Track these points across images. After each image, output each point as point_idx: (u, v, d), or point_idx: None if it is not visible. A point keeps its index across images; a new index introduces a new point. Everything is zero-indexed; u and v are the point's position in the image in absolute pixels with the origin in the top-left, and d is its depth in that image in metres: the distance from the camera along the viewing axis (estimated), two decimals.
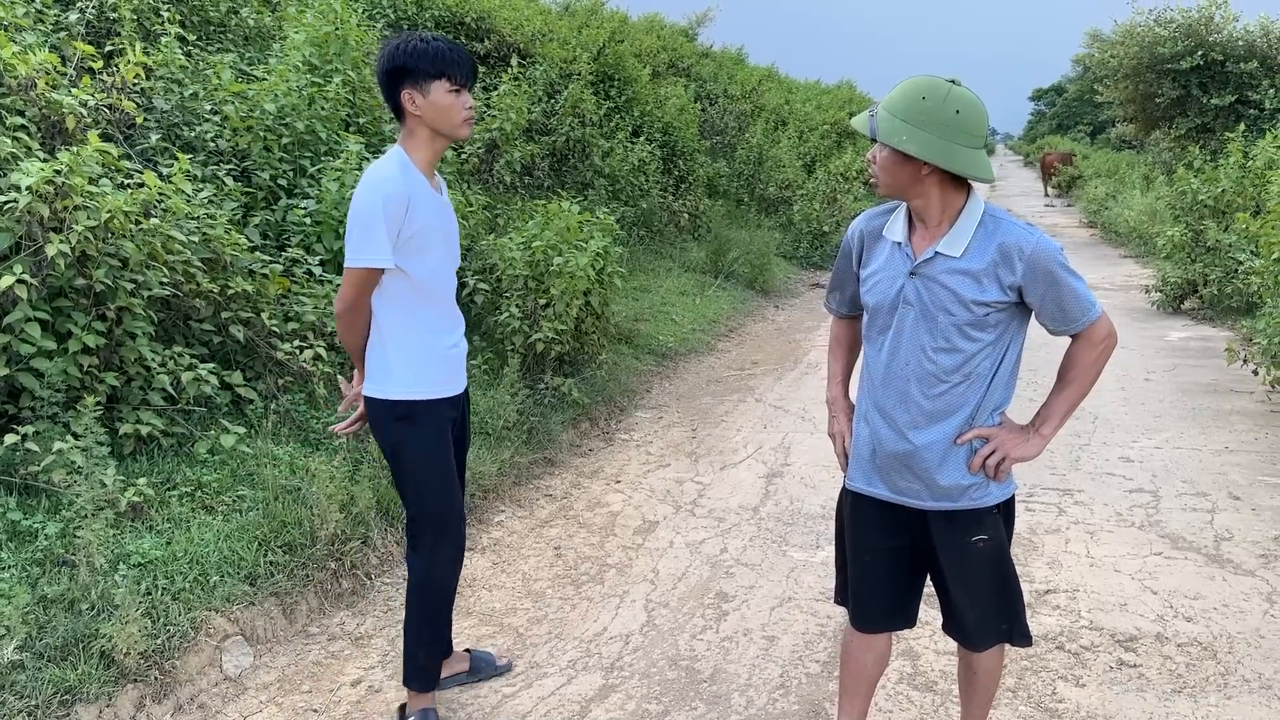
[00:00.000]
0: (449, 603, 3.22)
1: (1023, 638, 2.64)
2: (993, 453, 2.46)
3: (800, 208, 14.50)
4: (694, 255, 11.51)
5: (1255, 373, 6.69)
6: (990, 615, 2.60)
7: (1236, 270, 9.42)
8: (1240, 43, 15.97)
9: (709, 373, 7.96)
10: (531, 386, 6.07)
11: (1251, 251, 9.03)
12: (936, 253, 2.39)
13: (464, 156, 8.21)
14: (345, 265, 2.85)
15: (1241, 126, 11.84)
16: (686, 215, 12.42)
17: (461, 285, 6.39)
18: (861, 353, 2.69)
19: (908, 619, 2.73)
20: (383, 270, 2.84)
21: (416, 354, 2.96)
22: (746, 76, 20.51)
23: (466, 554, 4.49)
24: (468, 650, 3.53)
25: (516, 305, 6.04)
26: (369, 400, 3.00)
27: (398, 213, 2.79)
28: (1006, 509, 2.56)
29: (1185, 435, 5.99)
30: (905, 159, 2.32)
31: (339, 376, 3.44)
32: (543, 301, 6.14)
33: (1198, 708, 3.17)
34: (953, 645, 3.52)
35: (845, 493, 2.72)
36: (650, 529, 4.77)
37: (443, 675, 3.34)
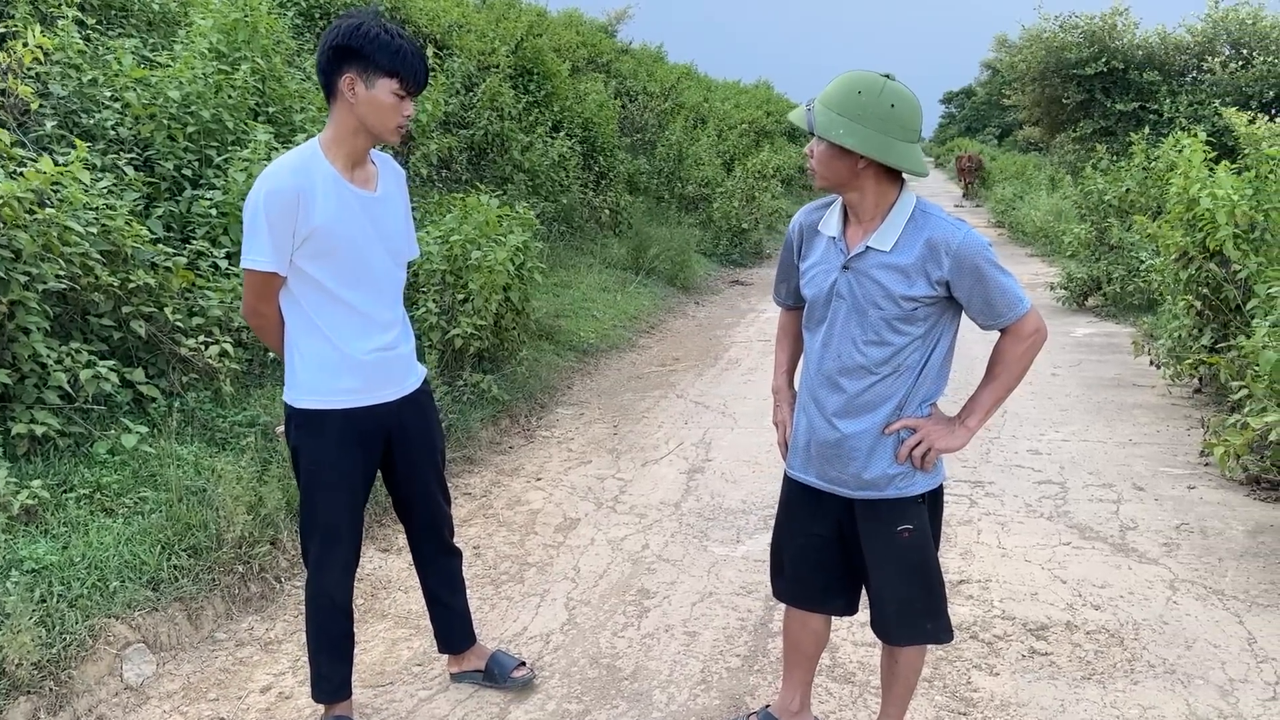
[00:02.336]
0: (345, 613, 3.02)
1: (945, 633, 2.67)
2: (919, 443, 2.48)
3: (719, 205, 14.57)
4: (615, 252, 11.48)
5: (1157, 367, 6.91)
6: (914, 609, 2.62)
7: (1138, 268, 9.73)
8: (1140, 50, 16.53)
9: (630, 369, 7.94)
10: (450, 383, 5.97)
11: (1153, 250, 9.34)
12: (868, 247, 2.42)
13: (379, 149, 8.02)
14: (243, 267, 2.68)
15: (1146, 129, 12.24)
16: (607, 211, 12.39)
17: None
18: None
19: (846, 605, 2.78)
20: (276, 273, 2.67)
21: (324, 362, 2.76)
22: (666, 74, 20.56)
23: (383, 554, 4.42)
24: (496, 652, 3.37)
25: (434, 300, 5.93)
26: (284, 403, 2.87)
27: (285, 211, 2.59)
28: (934, 500, 2.60)
29: (1091, 428, 6.16)
30: (842, 153, 2.34)
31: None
32: (461, 297, 6.04)
33: (1106, 694, 3.24)
34: (870, 637, 3.55)
35: (785, 479, 2.76)
36: (571, 526, 4.72)
37: (458, 669, 3.31)
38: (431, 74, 8.69)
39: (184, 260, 4.77)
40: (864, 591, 2.74)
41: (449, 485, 3.35)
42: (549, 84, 12.48)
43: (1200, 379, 6.53)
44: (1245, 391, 4.40)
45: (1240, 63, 15.32)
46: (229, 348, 4.72)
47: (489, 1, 15.88)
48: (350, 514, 2.93)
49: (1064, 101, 17.28)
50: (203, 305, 4.82)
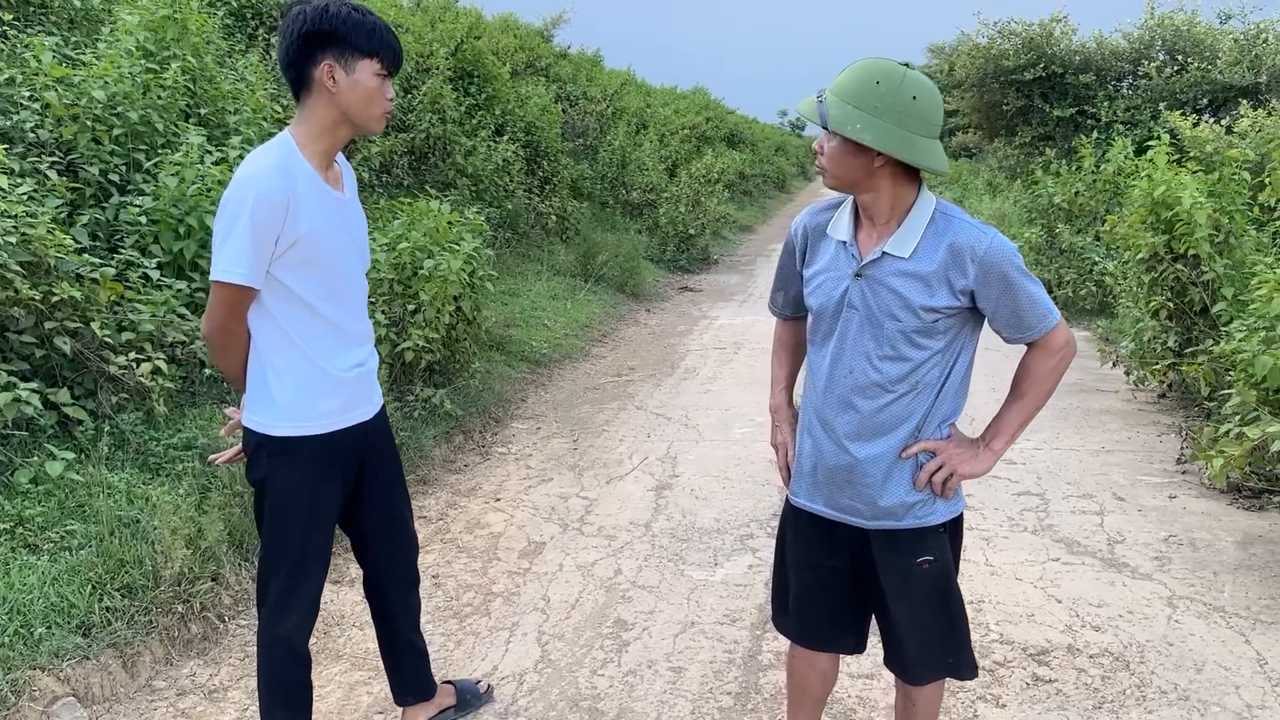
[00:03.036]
0: (303, 661, 2.71)
1: (969, 669, 2.46)
2: (940, 468, 2.26)
3: (665, 210, 14.37)
4: (562, 258, 11.20)
5: (1127, 373, 6.82)
6: (933, 645, 2.41)
7: (1090, 271, 9.74)
8: (1078, 56, 16.71)
9: (585, 380, 7.67)
10: (400, 398, 5.65)
11: (1107, 253, 9.34)
12: (884, 253, 2.20)
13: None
14: (210, 278, 2.37)
15: (1094, 134, 12.31)
16: (554, 217, 12.10)
17: None
18: (806, 358, 2.46)
19: (856, 643, 2.53)
20: (252, 287, 2.38)
21: (303, 383, 2.50)
22: (606, 79, 20.32)
23: (334, 587, 4.10)
24: (449, 682, 3.16)
25: (382, 312, 5.60)
26: (246, 430, 2.57)
27: (273, 217, 2.32)
28: (954, 528, 2.38)
29: (1062, 436, 6.04)
30: (857, 149, 2.12)
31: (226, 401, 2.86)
32: (411, 307, 5.72)
33: None
34: (868, 666, 3.34)
35: (788, 505, 2.50)
36: (537, 551, 4.44)
37: (430, 715, 3.03)
38: None
39: (112, 271, 4.40)
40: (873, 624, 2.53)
41: None
42: (490, 87, 12.16)
43: (1169, 384, 6.47)
44: (1238, 398, 4.29)
45: (1175, 68, 15.55)
46: (162, 365, 4.36)
47: (423, 4, 15.49)
48: (324, 549, 2.66)
49: (1004, 107, 17.39)
50: (133, 319, 4.45)
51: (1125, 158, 10.26)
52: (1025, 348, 2.30)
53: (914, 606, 2.37)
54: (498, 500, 5.08)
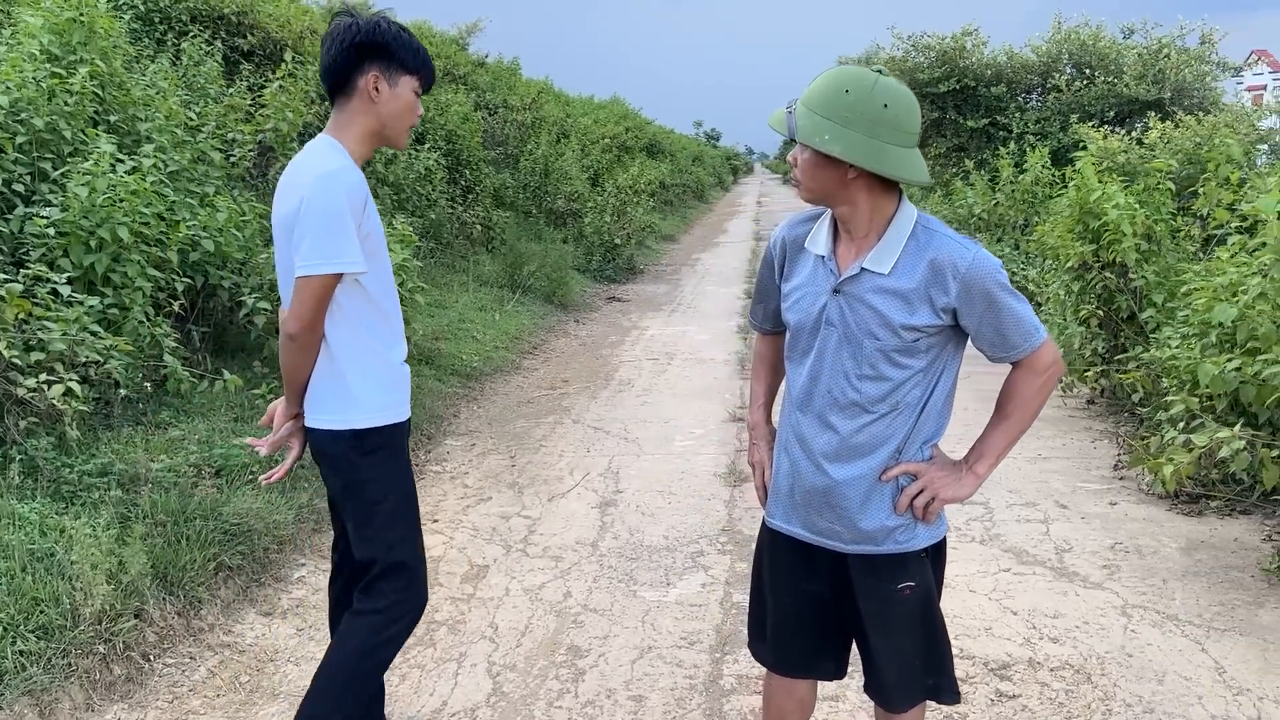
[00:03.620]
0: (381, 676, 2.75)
1: (950, 694, 2.38)
2: (920, 491, 2.17)
3: (591, 220, 14.26)
4: (488, 269, 11.00)
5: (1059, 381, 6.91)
6: (914, 671, 2.33)
7: (1011, 280, 9.89)
8: (989, 69, 17.09)
9: (519, 393, 7.49)
10: None
11: (1028, 262, 9.51)
12: (863, 269, 2.12)
13: (233, 160, 7.34)
14: (302, 274, 2.38)
15: (1011, 145, 12.56)
16: (479, 227, 11.89)
17: (238, 304, 5.65)
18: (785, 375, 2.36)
19: (835, 669, 2.45)
20: (339, 279, 2.43)
21: (379, 374, 2.57)
22: (525, 88, 20.13)
23: (265, 619, 3.88)
24: None
25: None
26: (323, 434, 2.55)
27: (360, 208, 2.43)
28: (936, 553, 2.29)
29: None
30: (829, 161, 2.04)
31: (272, 404, 2.76)
32: None
33: None
34: (835, 687, 3.25)
35: (764, 529, 2.41)
36: (480, 575, 4.27)
37: None
38: (291, 79, 8.08)
39: (19, 288, 4.11)
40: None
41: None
42: None
43: (1100, 390, 6.57)
44: (1180, 406, 4.33)
45: (1084, 81, 15.99)
46: (75, 386, 4.08)
47: (335, 10, 15.15)
48: (423, 550, 2.82)
49: (920, 120, 17.67)
50: (42, 339, 4.15)
51: (1043, 167, 10.47)
52: (1010, 367, 2.23)
53: (894, 634, 2.29)
54: (435, 521, 4.90)
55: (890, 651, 2.31)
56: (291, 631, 3.78)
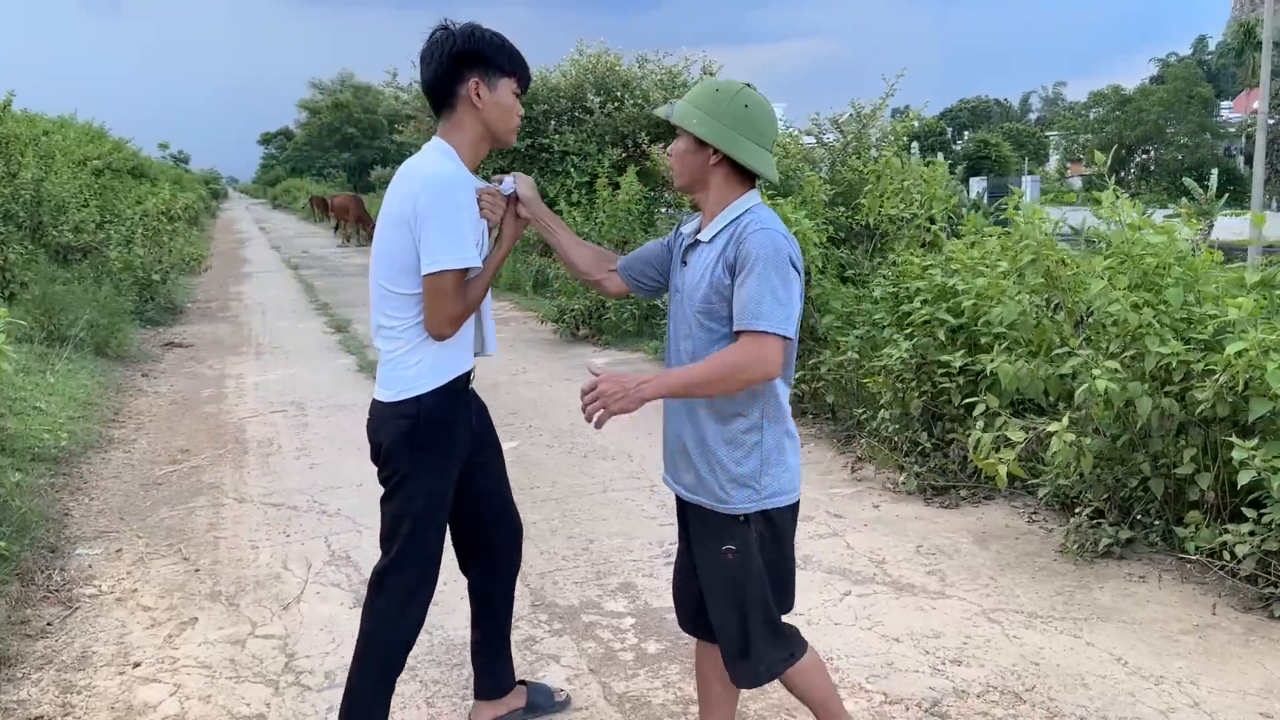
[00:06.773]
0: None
1: (746, 677, 2.48)
2: (596, 400, 2.24)
3: (118, 255, 12.03)
4: (13, 322, 8.70)
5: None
6: (727, 637, 2.45)
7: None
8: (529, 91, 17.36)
9: (132, 473, 5.89)
10: None
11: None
12: (696, 240, 2.41)
13: None
14: (446, 269, 2.49)
15: (565, 164, 12.65)
16: None
17: None
18: None
19: (710, 631, 2.57)
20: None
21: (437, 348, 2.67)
22: None
23: None
24: (523, 682, 3.15)
25: None
26: (389, 405, 2.64)
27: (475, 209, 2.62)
28: (768, 524, 2.38)
29: None
30: (697, 147, 2.36)
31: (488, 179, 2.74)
32: None
33: None
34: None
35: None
36: None
37: (498, 714, 3.04)
38: None
39: None
40: None
41: None
42: None
43: (801, 396, 6.69)
44: (982, 405, 4.43)
45: (615, 104, 16.78)
46: None
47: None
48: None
49: None
50: None
51: (630, 184, 10.71)
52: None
53: (711, 594, 2.45)
54: (137, 666, 3.56)
55: (714, 615, 2.46)
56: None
